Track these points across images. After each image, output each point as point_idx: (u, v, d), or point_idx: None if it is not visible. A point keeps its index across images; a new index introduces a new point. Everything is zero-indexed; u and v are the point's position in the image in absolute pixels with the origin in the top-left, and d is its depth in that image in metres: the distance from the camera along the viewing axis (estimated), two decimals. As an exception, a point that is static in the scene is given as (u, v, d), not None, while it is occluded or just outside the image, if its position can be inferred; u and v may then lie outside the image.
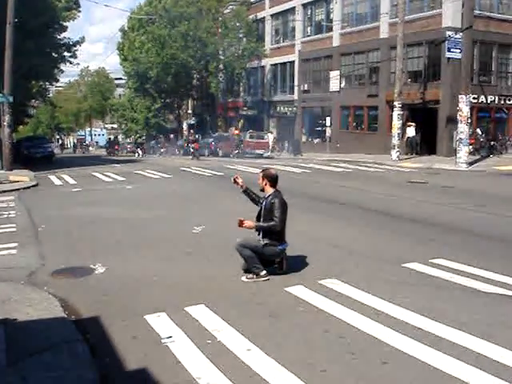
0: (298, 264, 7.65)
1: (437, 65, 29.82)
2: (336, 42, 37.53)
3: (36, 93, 41.79)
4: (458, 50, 26.42)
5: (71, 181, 21.52)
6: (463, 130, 23.21)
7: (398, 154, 27.74)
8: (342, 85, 37.19)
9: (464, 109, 23.05)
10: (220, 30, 45.32)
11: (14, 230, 11.15)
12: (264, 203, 7.30)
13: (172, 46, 45.06)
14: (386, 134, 31.16)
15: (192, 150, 37.26)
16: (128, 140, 67.13)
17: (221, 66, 46.67)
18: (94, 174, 24.49)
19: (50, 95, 54.97)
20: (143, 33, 50.60)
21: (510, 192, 16.00)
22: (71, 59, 39.00)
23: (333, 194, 15.79)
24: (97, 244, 9.65)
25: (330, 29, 38.07)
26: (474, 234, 9.88)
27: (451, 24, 28.04)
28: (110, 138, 67.94)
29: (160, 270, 7.77)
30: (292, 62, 42.59)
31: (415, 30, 29.51)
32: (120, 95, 76.51)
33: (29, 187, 19.18)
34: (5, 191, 17.90)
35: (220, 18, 45.82)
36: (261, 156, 36.70)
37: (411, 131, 30.57)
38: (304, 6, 41.16)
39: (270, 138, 39.66)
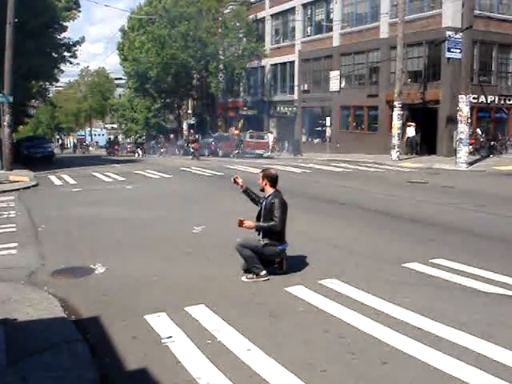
0: (298, 264, 7.65)
1: (437, 65, 29.82)
2: (336, 42, 37.53)
3: (36, 93, 41.81)
4: (458, 50, 26.42)
5: (71, 181, 21.52)
6: (463, 129, 23.21)
7: (398, 154, 27.74)
8: (342, 85, 37.20)
9: (464, 109, 23.06)
10: (220, 30, 45.33)
11: (14, 230, 11.15)
12: (264, 203, 7.30)
13: (172, 46, 45.06)
14: (386, 134, 31.16)
15: (192, 150, 37.32)
16: (128, 140, 67.13)
17: (221, 66, 46.68)
18: (93, 174, 24.49)
19: (50, 95, 54.98)
20: (143, 33, 50.61)
21: (510, 192, 16.00)
22: (71, 59, 39.07)
23: (333, 194, 15.80)
24: (97, 244, 9.65)
25: (330, 29, 38.07)
26: (474, 234, 9.88)
27: (451, 24, 28.05)
28: (109, 138, 67.95)
29: (160, 270, 7.77)
30: (292, 62, 42.60)
31: (415, 30, 29.51)
32: (120, 95, 76.53)
33: (29, 187, 19.18)
34: (5, 191, 17.90)
35: (220, 18, 45.84)
36: (261, 156, 36.71)
37: (411, 131, 30.58)
38: (304, 5, 41.17)
39: (270, 138, 39.68)
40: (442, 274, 7.21)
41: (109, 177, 22.59)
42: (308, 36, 41.13)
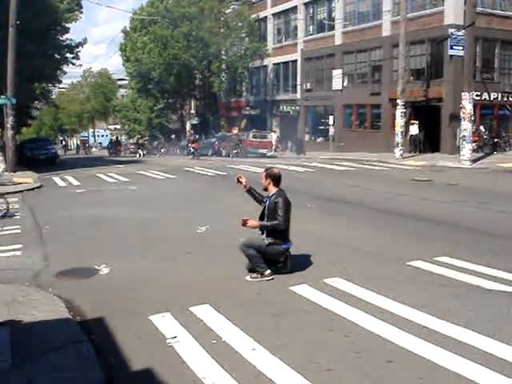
0: (302, 263, 7.65)
1: (439, 62, 29.74)
2: (338, 41, 37.47)
3: (39, 94, 41.84)
4: (461, 48, 26.33)
5: (75, 182, 21.55)
6: (466, 127, 23.16)
7: (402, 152, 27.67)
8: (345, 83, 37.14)
9: (467, 106, 23.00)
10: (222, 30, 45.33)
11: (18, 231, 11.18)
12: (267, 202, 7.30)
13: (174, 47, 45.06)
14: (389, 132, 31.10)
15: (192, 150, 37.69)
16: (131, 141, 67.16)
17: (223, 66, 46.67)
18: (97, 175, 24.51)
19: (53, 97, 55.05)
20: (145, 33, 50.60)
21: (514, 189, 15.96)
22: (74, 60, 39.11)
23: (336, 193, 15.78)
24: (101, 245, 9.67)
25: (332, 27, 38.01)
26: (479, 232, 9.86)
27: (453, 21, 27.96)
28: (111, 139, 68.01)
29: (164, 270, 7.78)
30: (294, 61, 42.55)
31: (417, 28, 29.42)
32: (123, 96, 76.51)
33: (33, 189, 19.22)
34: (9, 193, 17.90)
35: (222, 18, 45.82)
36: (264, 155, 36.71)
37: (414, 129, 30.52)
38: (306, 4, 41.11)
39: (273, 137, 39.62)
40: (447, 271, 7.19)
41: (112, 178, 22.62)
42: (310, 35, 41.07)
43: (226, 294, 6.59)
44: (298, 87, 41.98)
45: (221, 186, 18.19)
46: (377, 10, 34.19)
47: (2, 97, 24.79)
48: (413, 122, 30.38)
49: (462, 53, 25.89)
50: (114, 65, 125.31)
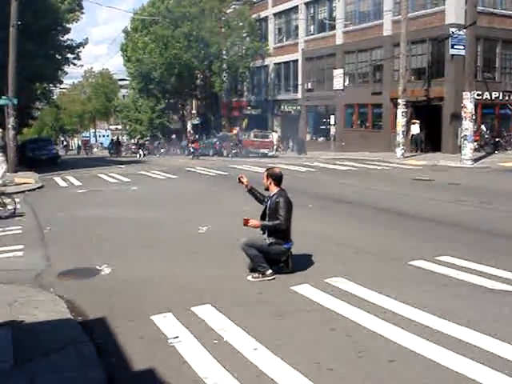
0: (303, 263, 7.64)
1: (440, 62, 29.71)
2: (339, 40, 37.46)
3: (40, 95, 41.86)
4: (462, 47, 26.30)
5: (76, 182, 21.55)
6: (468, 126, 23.14)
7: (403, 151, 27.64)
8: (346, 83, 37.12)
9: (468, 105, 22.98)
10: (223, 30, 45.32)
11: (19, 231, 11.19)
12: (269, 202, 7.30)
13: (175, 47, 45.07)
14: (391, 131, 31.10)
15: (192, 150, 37.87)
16: (133, 141, 67.14)
17: (224, 66, 46.66)
18: (98, 175, 24.52)
19: (54, 97, 55.03)
20: (146, 33, 50.58)
21: (515, 188, 15.94)
22: (75, 61, 39.07)
23: (338, 193, 15.78)
24: (102, 245, 9.67)
25: (333, 27, 38.00)
26: (480, 231, 9.85)
27: (454, 21, 27.93)
28: (112, 140, 68.03)
29: (166, 271, 7.78)
30: (295, 61, 42.55)
31: (418, 28, 29.42)
32: (124, 96, 76.58)
33: (34, 189, 19.23)
34: (10, 193, 17.91)
35: (223, 18, 45.82)
36: (265, 155, 36.72)
37: (416, 129, 30.50)
38: (307, 4, 41.10)
39: (275, 136, 39.64)
40: (448, 271, 7.19)
41: (114, 178, 22.62)
42: (311, 34, 41.06)
43: (227, 294, 6.59)
44: (299, 87, 41.97)
45: (222, 186, 18.19)
46: (378, 10, 34.17)
47: (4, 97, 24.81)
48: (414, 121, 30.36)
49: (463, 52, 25.85)
50: (115, 65, 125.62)
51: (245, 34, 44.87)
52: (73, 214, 13.23)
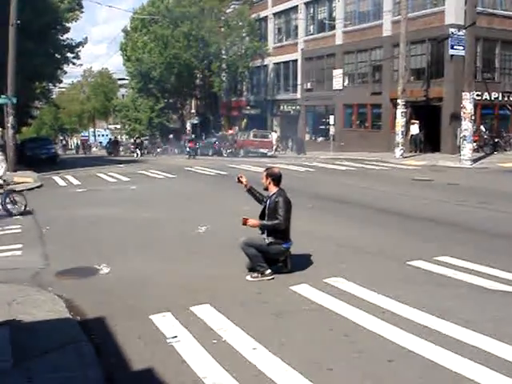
0: (302, 262, 7.64)
1: (440, 62, 29.72)
2: (339, 41, 37.46)
3: (39, 94, 41.86)
4: (461, 47, 26.31)
5: (75, 181, 21.54)
6: (467, 127, 23.14)
7: (402, 151, 27.65)
8: (345, 83, 37.13)
9: (468, 106, 22.98)
10: (223, 30, 45.32)
11: (18, 231, 11.18)
12: (268, 202, 7.30)
13: (175, 46, 45.09)
14: (390, 131, 31.09)
15: (188, 150, 37.89)
16: (132, 140, 67.12)
17: (224, 66, 46.66)
18: (97, 174, 24.50)
19: (54, 96, 55.00)
20: (146, 33, 50.60)
21: (514, 189, 15.95)
22: (74, 60, 39.16)
23: (337, 193, 15.78)
24: (101, 244, 9.66)
25: (333, 27, 37.99)
26: (480, 232, 9.85)
27: (454, 21, 27.94)
28: (110, 139, 68.00)
29: (165, 270, 7.77)
30: (295, 61, 42.54)
31: (418, 28, 29.42)
32: (123, 95, 76.53)
33: (33, 188, 19.22)
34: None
35: (223, 18, 45.83)
36: (265, 155, 36.72)
37: (415, 129, 30.51)
38: (306, 4, 41.10)
39: (274, 136, 39.66)
40: (447, 271, 7.19)
41: (113, 177, 22.61)
42: (311, 34, 41.05)
43: (226, 294, 6.59)
44: (299, 87, 41.96)
45: (221, 186, 18.19)
46: (377, 10, 34.18)
47: (3, 96, 24.79)
48: (413, 121, 30.38)
49: (462, 52, 25.86)
50: (115, 64, 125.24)
51: (244, 34, 44.87)
52: (72, 214, 13.22)
